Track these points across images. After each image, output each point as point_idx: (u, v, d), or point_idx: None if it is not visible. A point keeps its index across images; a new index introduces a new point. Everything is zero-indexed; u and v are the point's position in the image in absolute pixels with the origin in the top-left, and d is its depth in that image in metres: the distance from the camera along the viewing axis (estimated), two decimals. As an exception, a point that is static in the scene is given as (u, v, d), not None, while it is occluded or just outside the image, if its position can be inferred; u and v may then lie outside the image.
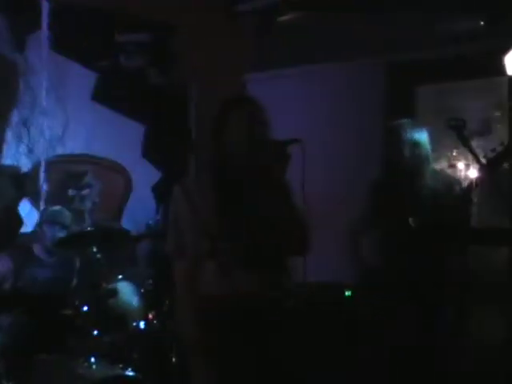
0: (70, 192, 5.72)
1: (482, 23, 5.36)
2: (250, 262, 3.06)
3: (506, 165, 5.01)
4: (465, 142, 3.83)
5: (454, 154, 5.60)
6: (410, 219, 4.05)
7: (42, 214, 5.46)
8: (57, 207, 5.44)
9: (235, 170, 3.16)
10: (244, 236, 3.06)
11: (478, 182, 3.90)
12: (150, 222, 5.52)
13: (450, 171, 5.56)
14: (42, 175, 5.74)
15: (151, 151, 6.33)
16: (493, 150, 3.90)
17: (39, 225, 5.42)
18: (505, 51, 4.83)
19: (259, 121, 3.20)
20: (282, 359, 3.15)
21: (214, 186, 3.14)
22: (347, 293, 5.23)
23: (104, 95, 6.14)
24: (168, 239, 3.20)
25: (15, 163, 5.75)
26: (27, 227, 5.81)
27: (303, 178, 3.08)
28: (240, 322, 3.05)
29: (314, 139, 5.69)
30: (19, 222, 5.74)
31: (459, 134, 3.81)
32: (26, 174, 5.78)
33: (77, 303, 4.94)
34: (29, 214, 5.81)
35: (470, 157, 4.07)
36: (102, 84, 6.15)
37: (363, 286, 4.36)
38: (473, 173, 4.84)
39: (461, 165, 5.55)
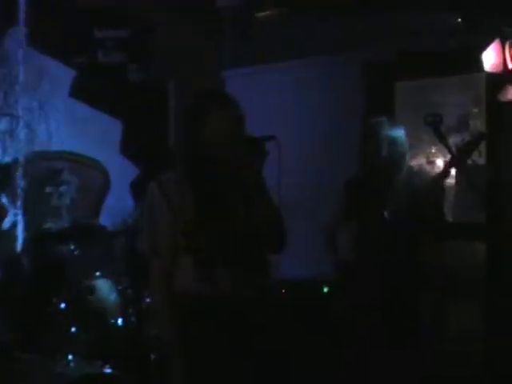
0: (48, 189, 5.68)
1: (459, 20, 5.37)
2: (228, 260, 3.04)
3: (480, 160, 5.08)
4: (441, 139, 3.83)
5: (433, 150, 5.61)
6: (385, 213, 4.06)
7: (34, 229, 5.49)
8: (50, 224, 5.48)
9: (212, 166, 3.13)
10: (221, 234, 3.05)
11: (448, 174, 3.92)
12: (128, 218, 5.49)
13: (428, 167, 5.58)
14: (19, 172, 5.71)
15: (129, 148, 6.30)
16: (462, 140, 3.92)
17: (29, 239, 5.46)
18: (482, 48, 4.85)
19: (236, 117, 3.18)
20: (261, 358, 3.14)
21: (191, 182, 3.12)
22: (325, 289, 5.25)
23: (81, 92, 6.10)
24: (143, 236, 3.18)
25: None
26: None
27: (279, 175, 3.06)
28: (218, 322, 3.03)
29: (290, 135, 5.77)
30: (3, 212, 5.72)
31: (436, 130, 3.81)
32: (3, 169, 5.75)
33: (54, 301, 4.93)
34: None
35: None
36: (79, 80, 6.11)
37: (340, 282, 4.35)
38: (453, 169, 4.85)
39: (439, 161, 5.56)
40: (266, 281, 3.19)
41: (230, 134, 3.10)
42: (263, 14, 6.44)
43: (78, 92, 6.11)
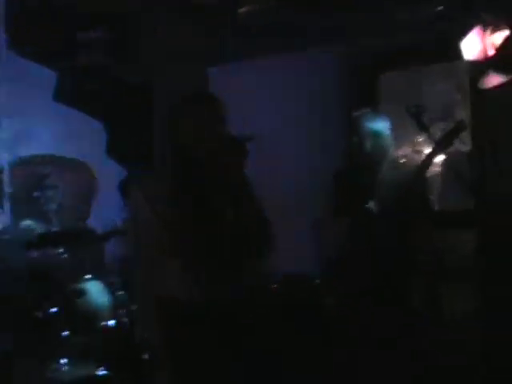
0: (35, 194, 5.67)
1: (439, 8, 5.36)
2: (215, 262, 3.03)
3: (466, 149, 5.09)
4: (423, 128, 3.84)
5: (420, 139, 5.61)
6: (371, 204, 4.07)
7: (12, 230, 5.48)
8: (27, 222, 5.46)
9: (193, 167, 3.12)
10: (206, 235, 3.03)
11: (430, 164, 3.92)
12: (117, 220, 5.49)
13: (415, 157, 5.58)
14: (5, 177, 5.69)
15: (116, 149, 6.29)
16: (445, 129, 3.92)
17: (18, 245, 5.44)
18: (462, 35, 4.85)
19: (217, 116, 3.16)
20: (252, 359, 3.12)
21: (173, 183, 3.11)
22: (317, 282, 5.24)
23: (66, 94, 6.08)
24: (128, 239, 3.18)
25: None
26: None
27: (259, 175, 3.06)
28: (207, 325, 3.02)
29: (274, 131, 5.77)
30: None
31: (418, 121, 3.81)
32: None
33: (45, 305, 4.93)
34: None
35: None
36: (63, 83, 6.09)
37: (332, 273, 4.34)
38: (439, 158, 4.86)
39: (426, 150, 5.56)
40: (254, 281, 3.18)
41: (209, 135, 3.09)
42: (245, 9, 6.42)
43: (62, 94, 6.09)
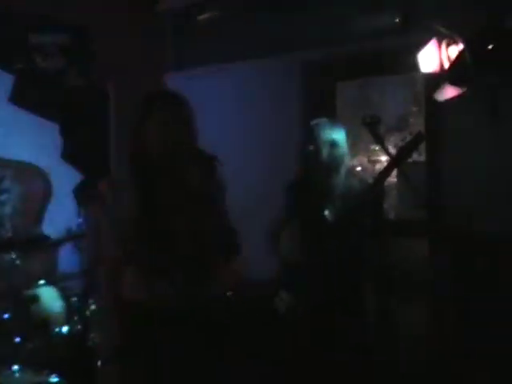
0: (-11, 198, 5.61)
1: (397, 20, 5.42)
2: (171, 271, 3.00)
3: (420, 158, 5.16)
4: (378, 140, 3.86)
5: (377, 148, 5.65)
6: (326, 213, 4.10)
7: None
8: None
9: (155, 170, 3.07)
10: (164, 240, 3.00)
11: (388, 175, 3.93)
12: (72, 225, 5.44)
13: (369, 166, 5.63)
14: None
15: (71, 153, 6.23)
16: (403, 140, 3.96)
17: None
18: (419, 47, 4.92)
19: (179, 117, 3.09)
20: (207, 368, 3.12)
21: (133, 187, 3.06)
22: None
23: (21, 97, 6.02)
24: (87, 244, 3.15)
25: None
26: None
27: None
28: (161, 331, 3.00)
29: (231, 138, 5.77)
30: None
31: (373, 132, 3.84)
32: None
33: (-3, 311, 4.88)
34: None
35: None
36: (19, 86, 6.03)
37: (284, 286, 4.34)
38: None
39: (381, 160, 5.61)
40: (211, 290, 3.15)
41: (169, 136, 3.03)
42: (204, 16, 6.43)
43: (18, 97, 6.03)
